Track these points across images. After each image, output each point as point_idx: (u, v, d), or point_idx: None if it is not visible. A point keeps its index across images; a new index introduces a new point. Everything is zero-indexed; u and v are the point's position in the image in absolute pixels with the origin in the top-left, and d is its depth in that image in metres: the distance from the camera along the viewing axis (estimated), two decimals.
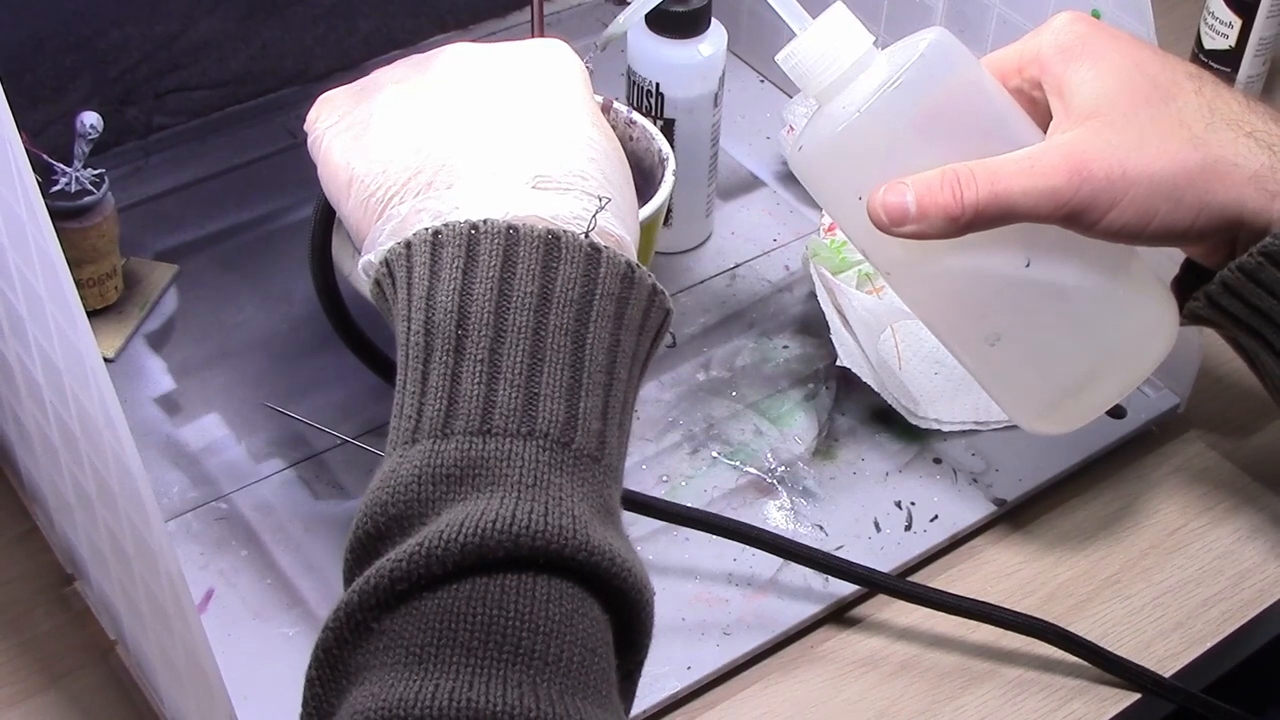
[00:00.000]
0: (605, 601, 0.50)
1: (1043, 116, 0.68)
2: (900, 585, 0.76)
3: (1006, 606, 0.74)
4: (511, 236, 0.54)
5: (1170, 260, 0.72)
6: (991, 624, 0.74)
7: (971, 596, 0.75)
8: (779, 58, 0.67)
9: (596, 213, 0.57)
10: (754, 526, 0.75)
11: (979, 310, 0.69)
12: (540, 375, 0.53)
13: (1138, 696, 0.73)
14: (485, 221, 0.54)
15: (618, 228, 0.57)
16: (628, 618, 0.51)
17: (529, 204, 0.56)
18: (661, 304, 0.57)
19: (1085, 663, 0.74)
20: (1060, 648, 0.74)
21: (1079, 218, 0.64)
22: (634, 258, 0.57)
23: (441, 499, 0.51)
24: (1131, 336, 0.70)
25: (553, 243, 0.54)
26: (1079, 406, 0.72)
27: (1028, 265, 0.67)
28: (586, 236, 0.55)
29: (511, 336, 0.53)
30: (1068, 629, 0.74)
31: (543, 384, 0.53)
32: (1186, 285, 0.70)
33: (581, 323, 0.54)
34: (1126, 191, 0.63)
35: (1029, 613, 0.75)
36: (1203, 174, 0.64)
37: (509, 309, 0.53)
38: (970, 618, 0.75)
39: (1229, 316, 0.68)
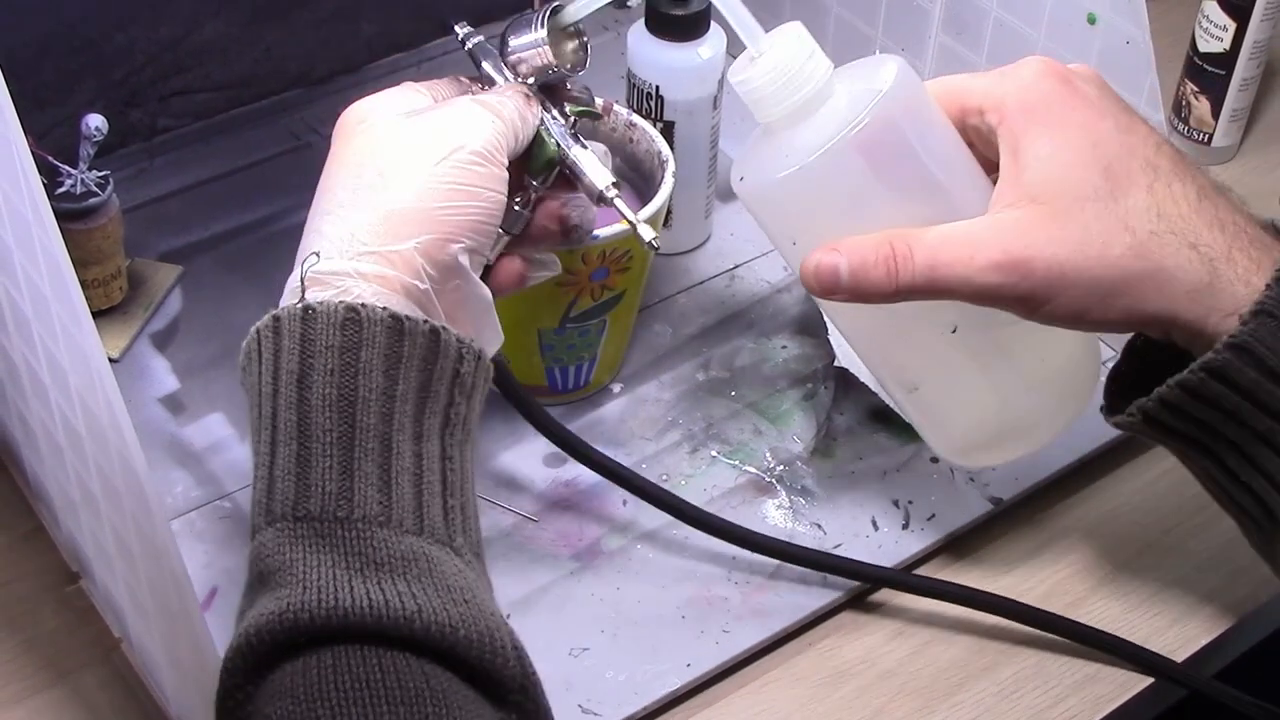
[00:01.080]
0: (402, 647, 0.52)
1: (991, 153, 0.65)
2: (912, 580, 0.76)
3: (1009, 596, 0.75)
4: (307, 317, 0.57)
5: None
6: (997, 614, 0.75)
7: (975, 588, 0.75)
8: (732, 77, 0.65)
9: (303, 272, 0.59)
10: (753, 531, 0.75)
11: (901, 361, 0.69)
12: (275, 457, 0.56)
13: (1149, 682, 0.73)
14: (283, 309, 0.58)
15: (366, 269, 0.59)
16: (446, 651, 0.53)
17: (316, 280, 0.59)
18: (415, 334, 0.58)
19: (1085, 656, 0.74)
20: (1069, 638, 0.74)
21: (1012, 307, 0.63)
22: (395, 303, 0.58)
23: (248, 596, 0.55)
24: (1045, 404, 0.70)
25: (308, 316, 0.57)
26: (992, 455, 0.72)
27: (954, 331, 0.66)
28: (302, 298, 0.58)
29: (279, 420, 0.56)
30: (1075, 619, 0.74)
31: (276, 465, 0.56)
32: (1123, 379, 0.68)
33: (305, 385, 0.56)
34: (1064, 291, 0.62)
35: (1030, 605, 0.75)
36: (1140, 282, 0.62)
37: (278, 393, 0.57)
38: (977, 609, 0.75)
39: (1165, 430, 0.65)
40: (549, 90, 0.69)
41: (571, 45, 0.69)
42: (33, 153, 0.53)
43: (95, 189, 0.82)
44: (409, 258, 0.59)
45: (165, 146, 0.98)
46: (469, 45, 0.71)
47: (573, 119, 0.68)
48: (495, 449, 0.81)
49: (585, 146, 0.68)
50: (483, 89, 0.69)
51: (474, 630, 0.53)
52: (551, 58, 0.68)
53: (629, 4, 1.08)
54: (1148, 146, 0.63)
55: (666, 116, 0.87)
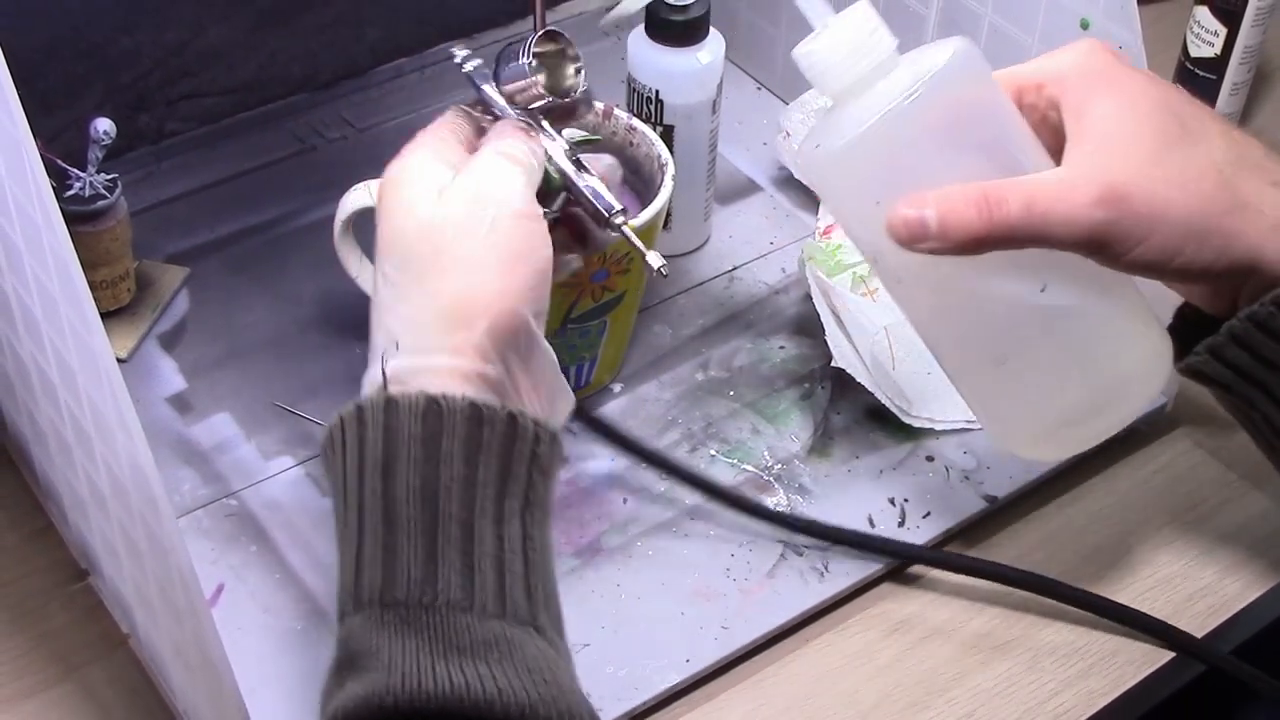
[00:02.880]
0: None
1: (1052, 139, 0.65)
2: (938, 556, 0.77)
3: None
4: (390, 408, 0.58)
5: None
6: (1029, 590, 0.75)
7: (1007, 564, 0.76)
8: (796, 52, 0.64)
9: (384, 365, 0.60)
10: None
11: (989, 331, 0.68)
12: (363, 544, 0.57)
13: (1170, 657, 0.74)
14: (366, 399, 0.59)
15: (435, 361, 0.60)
16: None
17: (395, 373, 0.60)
18: (492, 418, 0.58)
19: (1108, 630, 0.74)
20: (1092, 611, 0.75)
21: (1107, 248, 0.62)
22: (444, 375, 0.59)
23: (336, 678, 0.57)
24: (1133, 371, 0.68)
25: (391, 408, 0.58)
26: (1070, 437, 0.71)
27: (1043, 290, 0.65)
28: (384, 388, 0.59)
29: (364, 508, 0.58)
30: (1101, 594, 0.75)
31: (363, 552, 0.57)
32: (1181, 337, 0.68)
33: (389, 475, 0.57)
34: (1158, 227, 0.61)
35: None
36: (1230, 217, 0.62)
37: (363, 482, 0.58)
38: (1010, 584, 0.76)
39: (1232, 368, 0.65)
40: (549, 113, 0.69)
41: (567, 71, 0.69)
42: (42, 156, 0.53)
43: (103, 192, 0.82)
44: (479, 345, 0.60)
45: (172, 150, 0.98)
46: (467, 69, 0.70)
47: (570, 148, 0.68)
48: None
49: (589, 170, 0.68)
50: (488, 115, 0.69)
51: (554, 710, 0.54)
52: (544, 89, 0.67)
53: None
54: (1212, 110, 0.65)
55: (666, 120, 0.87)
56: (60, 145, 0.85)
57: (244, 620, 0.73)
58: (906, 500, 0.79)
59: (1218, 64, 1.01)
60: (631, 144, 0.82)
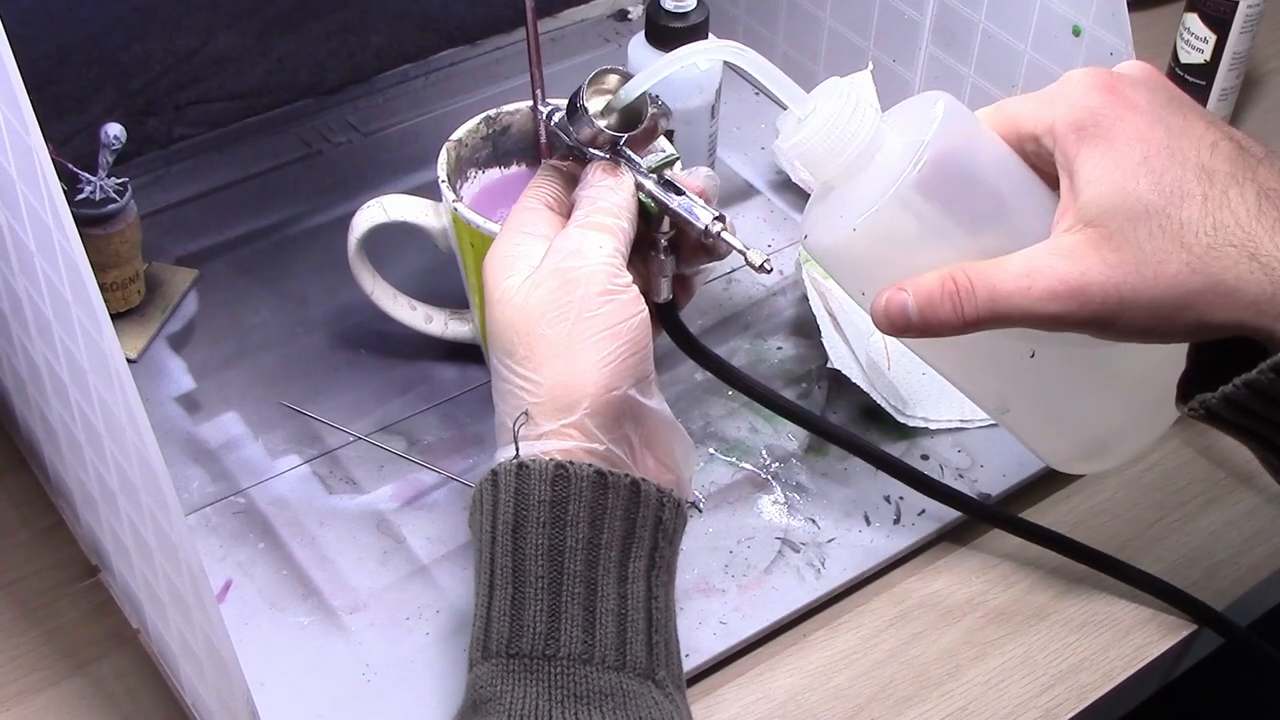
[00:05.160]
0: None
1: (1054, 175, 0.62)
2: (995, 512, 0.78)
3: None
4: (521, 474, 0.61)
5: None
6: (1068, 554, 0.77)
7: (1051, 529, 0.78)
8: (782, 144, 0.63)
9: (517, 429, 0.62)
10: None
11: (987, 387, 0.68)
12: (493, 599, 0.60)
13: (1192, 629, 0.75)
14: (500, 464, 0.62)
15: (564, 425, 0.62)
16: None
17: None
18: (616, 485, 0.61)
19: (1134, 599, 0.74)
20: (1119, 577, 0.76)
21: (1081, 330, 0.60)
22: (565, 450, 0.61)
23: None
24: (1143, 406, 0.67)
25: (521, 473, 0.61)
26: (1098, 462, 0.71)
27: (1032, 356, 0.65)
28: (516, 455, 0.62)
29: (496, 565, 0.61)
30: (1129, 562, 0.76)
31: (493, 606, 0.60)
32: (1193, 380, 0.64)
33: (520, 535, 0.60)
34: (1125, 313, 0.59)
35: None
36: (1200, 297, 0.58)
37: (495, 541, 0.61)
38: (1061, 550, 0.77)
39: (1232, 424, 0.62)
40: (632, 142, 0.67)
41: (639, 105, 0.67)
42: (53, 160, 0.53)
43: (114, 195, 0.82)
44: (583, 426, 0.62)
45: (181, 154, 0.98)
46: (553, 121, 0.69)
47: (651, 167, 0.67)
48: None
49: (679, 189, 0.66)
50: (578, 160, 0.68)
51: None
52: (615, 128, 0.66)
53: (629, 16, 1.08)
54: (1202, 150, 0.60)
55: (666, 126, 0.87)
56: (71, 150, 0.85)
57: (251, 615, 0.73)
58: (902, 498, 0.79)
59: (1207, 70, 1.01)
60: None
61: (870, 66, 0.92)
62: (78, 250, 0.53)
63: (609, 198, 0.66)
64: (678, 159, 0.70)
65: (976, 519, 0.78)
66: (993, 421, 0.83)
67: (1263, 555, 0.79)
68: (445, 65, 1.05)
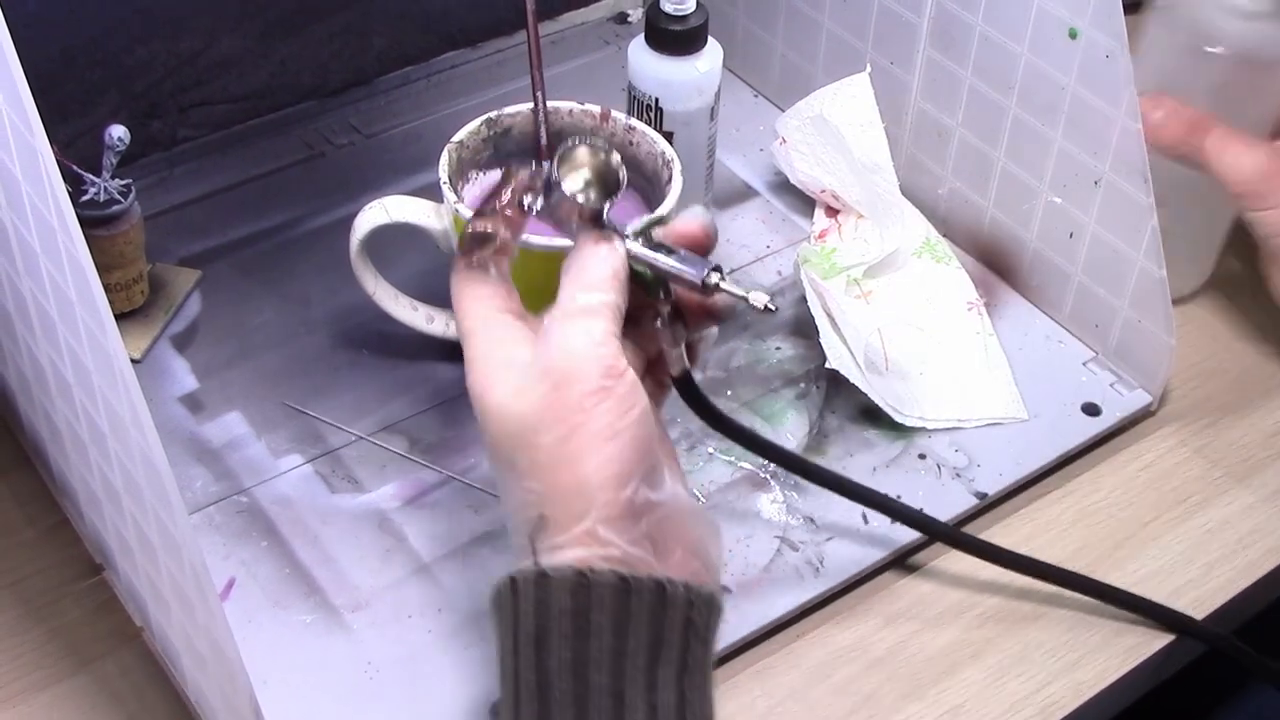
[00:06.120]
0: None
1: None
2: (957, 535, 0.78)
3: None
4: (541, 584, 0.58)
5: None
6: (1029, 574, 0.76)
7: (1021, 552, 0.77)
8: None
9: (534, 536, 0.59)
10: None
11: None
12: (520, 713, 0.57)
13: (1155, 650, 0.75)
14: (519, 572, 0.58)
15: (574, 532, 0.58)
16: None
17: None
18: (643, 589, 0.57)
19: (1110, 616, 0.74)
20: (1094, 596, 0.76)
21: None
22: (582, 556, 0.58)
23: None
24: None
25: (540, 581, 0.58)
26: None
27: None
28: (535, 564, 0.58)
29: (520, 679, 0.57)
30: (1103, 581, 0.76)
31: None
32: None
33: (542, 648, 0.57)
34: None
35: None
36: None
37: (518, 652, 0.58)
38: (1019, 571, 0.76)
39: None
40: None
41: (609, 168, 0.64)
42: (58, 162, 0.53)
43: (118, 197, 0.82)
44: (594, 534, 0.58)
45: (185, 156, 0.98)
46: (536, 211, 0.65)
47: (636, 231, 0.64)
48: None
49: (669, 248, 0.63)
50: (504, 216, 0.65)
51: None
52: (595, 198, 0.63)
53: (629, 18, 1.08)
54: None
55: (665, 127, 0.87)
56: (76, 151, 0.85)
57: (255, 614, 0.73)
58: (899, 497, 0.79)
59: None
60: (631, 143, 0.82)
61: (868, 69, 0.92)
62: (82, 251, 0.53)
63: (596, 270, 0.61)
64: (664, 217, 0.66)
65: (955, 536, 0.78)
66: (990, 421, 0.83)
67: (1259, 553, 0.79)
68: (447, 67, 1.05)
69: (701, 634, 0.58)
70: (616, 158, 0.63)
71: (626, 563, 0.58)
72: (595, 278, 0.61)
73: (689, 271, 0.62)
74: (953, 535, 0.77)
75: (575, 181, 0.63)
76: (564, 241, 0.65)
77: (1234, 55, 0.83)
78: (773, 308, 0.62)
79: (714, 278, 0.62)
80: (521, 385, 0.60)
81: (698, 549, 0.61)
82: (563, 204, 0.63)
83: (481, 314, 0.62)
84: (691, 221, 0.64)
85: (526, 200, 0.64)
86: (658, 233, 0.64)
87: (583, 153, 0.63)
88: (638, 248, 0.63)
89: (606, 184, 0.63)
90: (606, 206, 0.63)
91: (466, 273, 0.63)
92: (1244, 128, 0.83)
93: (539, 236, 0.74)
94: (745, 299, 0.63)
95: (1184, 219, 0.81)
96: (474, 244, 0.63)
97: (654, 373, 0.66)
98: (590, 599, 0.56)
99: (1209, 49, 0.83)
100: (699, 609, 0.58)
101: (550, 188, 0.63)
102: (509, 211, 0.64)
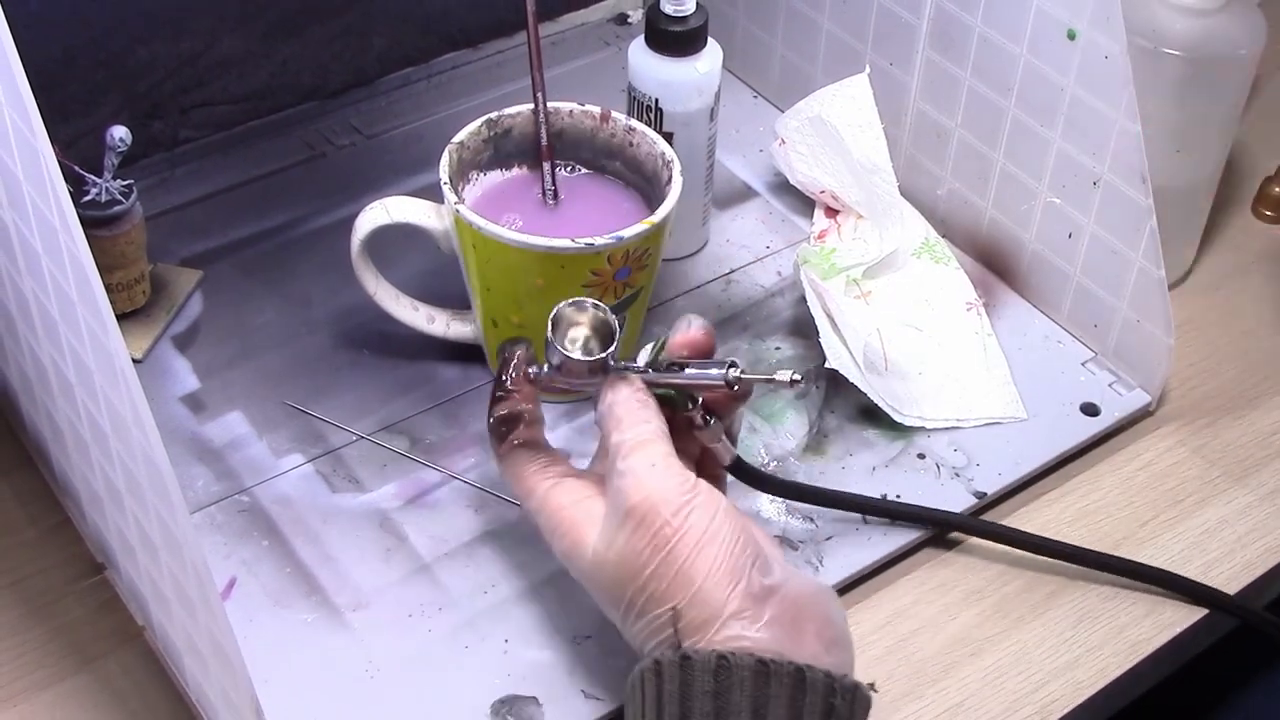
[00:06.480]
0: None
1: None
2: (974, 524, 0.78)
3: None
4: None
5: None
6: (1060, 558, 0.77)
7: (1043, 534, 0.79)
8: None
9: (675, 624, 0.61)
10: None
11: None
12: None
13: (1188, 625, 0.75)
14: (663, 655, 0.61)
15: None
16: None
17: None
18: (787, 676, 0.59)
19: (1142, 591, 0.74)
20: (1127, 575, 0.77)
21: None
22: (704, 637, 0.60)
23: None
24: None
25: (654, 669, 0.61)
26: None
27: None
28: (679, 648, 0.60)
29: None
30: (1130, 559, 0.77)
31: None
32: None
33: None
34: None
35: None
36: None
37: None
38: (1044, 554, 0.77)
39: None
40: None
41: (606, 327, 0.67)
42: (59, 163, 0.53)
43: (119, 197, 0.82)
44: (725, 632, 0.60)
45: (186, 157, 0.98)
46: (541, 375, 0.69)
47: (648, 362, 0.67)
48: None
49: (682, 366, 0.66)
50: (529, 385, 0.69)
51: None
52: (607, 357, 0.66)
53: (629, 20, 1.08)
54: None
55: (665, 128, 0.87)
56: (77, 152, 0.85)
57: (256, 613, 0.73)
58: (899, 496, 0.79)
59: None
60: (631, 144, 0.82)
61: (867, 70, 0.92)
62: (84, 251, 0.53)
63: (628, 408, 0.65)
64: (664, 340, 0.68)
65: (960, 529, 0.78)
66: (989, 421, 0.83)
67: (1257, 554, 0.79)
68: (447, 68, 1.05)
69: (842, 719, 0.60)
70: (604, 308, 0.66)
71: (765, 647, 0.60)
72: (632, 415, 0.65)
73: (712, 379, 0.66)
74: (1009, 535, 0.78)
75: (575, 339, 0.66)
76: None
77: (1189, 55, 0.83)
78: (798, 378, 0.66)
79: (732, 374, 0.66)
80: (608, 534, 0.63)
81: (825, 622, 0.63)
82: (568, 364, 0.66)
83: (544, 486, 0.67)
84: (692, 331, 0.68)
85: (531, 371, 0.68)
86: (664, 354, 0.67)
87: (571, 312, 0.66)
88: (655, 376, 0.66)
89: (603, 335, 0.66)
90: (610, 352, 0.66)
91: (511, 454, 0.68)
92: (1207, 128, 0.84)
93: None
94: (772, 380, 0.66)
95: (1160, 210, 0.80)
96: (505, 427, 0.68)
97: (704, 469, 0.69)
98: (731, 680, 0.58)
99: (1165, 50, 0.83)
100: (841, 696, 0.59)
101: (551, 352, 0.66)
102: (521, 387, 0.68)
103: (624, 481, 0.63)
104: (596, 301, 0.67)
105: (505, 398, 0.68)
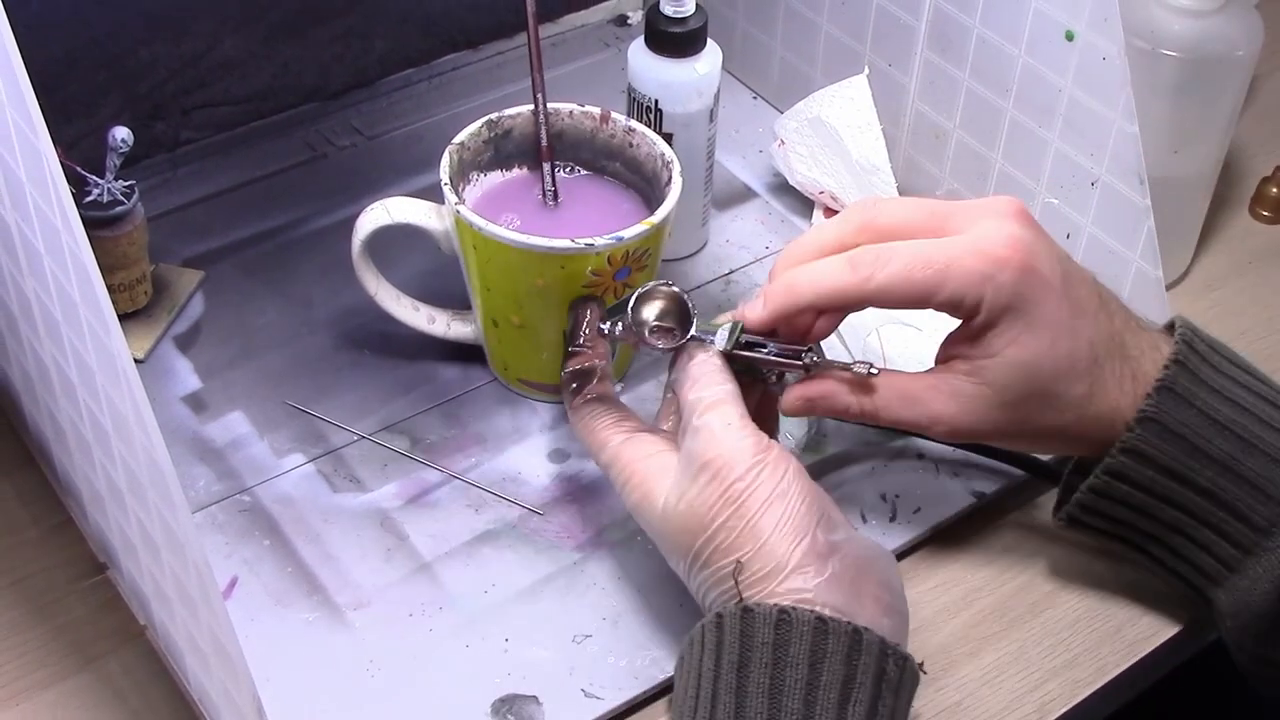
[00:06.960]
0: None
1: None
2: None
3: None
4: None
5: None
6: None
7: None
8: None
9: (736, 576, 0.63)
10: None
11: None
12: None
13: (1157, 647, 0.75)
14: (725, 609, 0.63)
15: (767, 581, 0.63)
16: None
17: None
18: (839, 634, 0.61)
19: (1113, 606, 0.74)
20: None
21: None
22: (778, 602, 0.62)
23: None
24: None
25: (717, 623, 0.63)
26: None
27: None
28: (740, 601, 0.63)
29: (718, 700, 0.61)
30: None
31: None
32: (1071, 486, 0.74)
33: (743, 674, 0.61)
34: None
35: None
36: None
37: (719, 677, 0.62)
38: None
39: (1095, 530, 0.73)
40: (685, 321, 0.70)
41: (673, 298, 0.70)
42: (61, 163, 0.53)
43: (121, 198, 0.82)
44: (787, 585, 0.63)
45: (188, 157, 0.98)
46: (617, 332, 0.73)
47: (733, 342, 0.69)
48: (502, 445, 0.81)
49: (762, 343, 0.70)
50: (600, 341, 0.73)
51: None
52: (675, 328, 0.70)
53: (629, 21, 1.08)
54: (1096, 341, 0.69)
55: (665, 129, 0.87)
56: (79, 153, 0.85)
57: (257, 612, 0.73)
58: (898, 496, 0.79)
59: None
60: (631, 144, 0.82)
61: (866, 71, 0.92)
62: (86, 252, 0.53)
63: (704, 371, 0.67)
64: (740, 323, 0.70)
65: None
66: None
67: None
68: (448, 69, 1.05)
69: (894, 687, 0.62)
70: (687, 294, 0.70)
71: (825, 604, 0.62)
72: (707, 377, 0.67)
73: (792, 362, 0.70)
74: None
75: (653, 310, 0.70)
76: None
77: (1187, 56, 0.83)
78: (875, 370, 0.70)
79: (809, 358, 0.70)
80: (681, 486, 0.65)
81: (883, 585, 0.65)
82: (646, 330, 0.70)
83: (616, 440, 0.69)
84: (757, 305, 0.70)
85: (604, 327, 0.73)
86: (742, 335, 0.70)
87: (662, 290, 0.70)
88: (739, 353, 0.69)
89: (679, 314, 0.70)
90: (692, 329, 0.69)
91: (583, 408, 0.71)
92: (1204, 129, 0.85)
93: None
94: (850, 367, 0.70)
95: (1158, 210, 0.80)
96: (577, 382, 0.71)
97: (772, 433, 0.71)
98: (790, 634, 0.60)
99: (1162, 51, 0.83)
100: (893, 663, 0.62)
101: (630, 317, 0.70)
102: (594, 343, 0.73)
103: (699, 437, 0.65)
104: (683, 291, 0.70)
105: (578, 353, 0.72)
